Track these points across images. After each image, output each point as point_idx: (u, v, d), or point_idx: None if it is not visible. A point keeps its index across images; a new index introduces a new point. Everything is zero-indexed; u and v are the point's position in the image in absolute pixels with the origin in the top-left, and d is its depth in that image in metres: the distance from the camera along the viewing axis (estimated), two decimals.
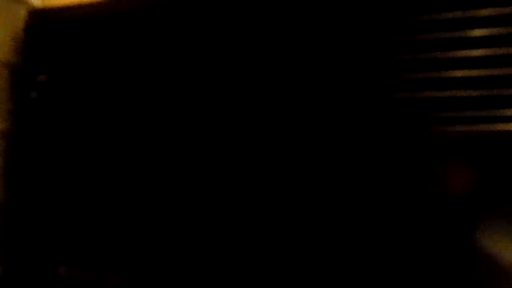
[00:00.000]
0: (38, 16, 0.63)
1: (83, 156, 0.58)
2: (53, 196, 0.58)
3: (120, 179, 0.56)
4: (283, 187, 0.50)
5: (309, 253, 0.49)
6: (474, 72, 0.46)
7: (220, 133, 0.53)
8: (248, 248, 0.51)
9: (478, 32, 0.45)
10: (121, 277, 0.52)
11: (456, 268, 0.45)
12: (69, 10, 0.62)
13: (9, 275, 0.59)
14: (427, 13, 0.47)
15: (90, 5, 0.66)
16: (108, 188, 0.56)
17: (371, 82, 0.49)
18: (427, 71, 0.47)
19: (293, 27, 0.52)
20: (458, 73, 0.46)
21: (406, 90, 0.48)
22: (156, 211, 0.54)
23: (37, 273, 0.58)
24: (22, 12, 0.61)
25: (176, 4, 0.57)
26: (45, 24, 0.62)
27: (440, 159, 0.46)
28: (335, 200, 0.49)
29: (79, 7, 0.66)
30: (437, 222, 0.45)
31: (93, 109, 0.58)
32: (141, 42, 0.57)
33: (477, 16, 0.46)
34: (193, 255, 0.53)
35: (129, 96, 0.58)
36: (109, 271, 0.54)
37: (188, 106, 0.54)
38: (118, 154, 0.56)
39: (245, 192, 0.51)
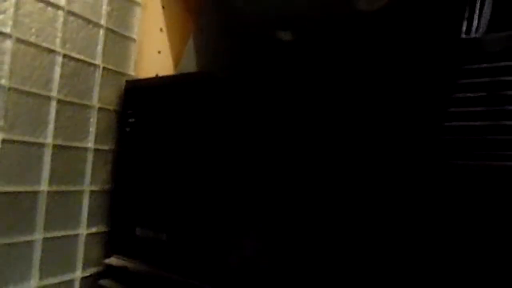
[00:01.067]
0: (132, 83, 0.95)
1: (155, 164, 0.85)
2: (137, 186, 0.90)
3: (177, 178, 0.81)
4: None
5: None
6: None
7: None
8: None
9: None
10: (165, 234, 0.86)
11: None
12: (150, 80, 0.95)
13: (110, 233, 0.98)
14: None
15: (163, 77, 0.96)
16: (167, 182, 0.82)
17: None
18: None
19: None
20: None
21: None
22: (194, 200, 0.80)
23: (124, 232, 0.96)
24: (123, 80, 1.02)
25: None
26: (136, 88, 0.91)
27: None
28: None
29: (156, 78, 1.02)
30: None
31: (164, 139, 0.84)
32: (191, 106, 0.76)
33: None
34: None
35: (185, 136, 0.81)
36: (161, 229, 0.89)
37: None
38: (176, 162, 0.81)
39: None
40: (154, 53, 1.11)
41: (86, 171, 0.90)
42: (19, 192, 0.76)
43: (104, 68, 0.95)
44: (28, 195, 0.78)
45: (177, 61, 1.15)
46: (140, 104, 0.91)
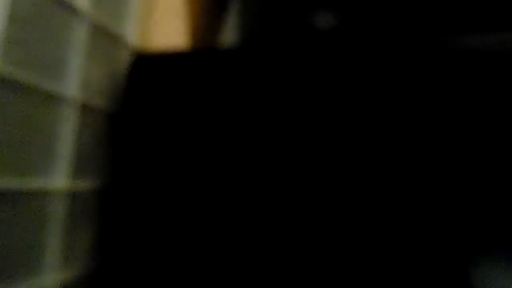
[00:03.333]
0: (145, 58, 0.56)
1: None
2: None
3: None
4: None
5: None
6: None
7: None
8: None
9: None
10: None
11: None
12: (180, 56, 0.56)
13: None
14: None
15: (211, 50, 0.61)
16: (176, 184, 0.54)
17: None
18: None
19: None
20: None
21: None
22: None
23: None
24: (122, 52, 0.54)
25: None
26: (151, 71, 0.55)
27: None
28: None
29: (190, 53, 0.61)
30: None
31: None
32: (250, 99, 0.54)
33: None
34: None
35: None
36: None
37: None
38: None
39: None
40: (167, 12, 0.64)
41: (47, 244, 0.42)
42: None
43: (94, 24, 0.47)
44: None
45: (195, 25, 0.70)
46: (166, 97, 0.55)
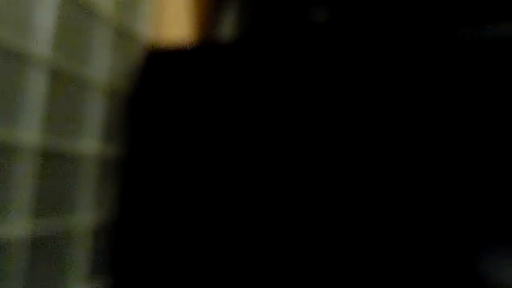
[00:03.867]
0: (159, 52, 0.65)
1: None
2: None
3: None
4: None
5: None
6: None
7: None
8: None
9: None
10: None
11: None
12: (202, 48, 0.63)
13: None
14: None
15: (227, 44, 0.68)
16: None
17: None
18: None
19: None
20: None
21: None
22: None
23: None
24: (137, 46, 0.67)
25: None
26: (167, 60, 0.63)
27: None
28: None
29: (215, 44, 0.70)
30: None
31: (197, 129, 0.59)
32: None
33: None
34: None
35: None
36: None
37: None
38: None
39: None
40: (177, 7, 0.76)
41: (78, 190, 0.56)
42: None
43: (114, 23, 0.60)
44: None
45: (201, 19, 0.80)
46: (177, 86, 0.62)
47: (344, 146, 0.48)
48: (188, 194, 0.59)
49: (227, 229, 0.54)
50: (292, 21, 0.73)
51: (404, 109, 0.47)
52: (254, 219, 0.52)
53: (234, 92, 0.57)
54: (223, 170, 0.55)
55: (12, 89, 0.46)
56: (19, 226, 0.47)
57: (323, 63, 0.51)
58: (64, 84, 0.53)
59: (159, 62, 0.65)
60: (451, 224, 0.46)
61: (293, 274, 0.50)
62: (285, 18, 0.74)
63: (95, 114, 0.59)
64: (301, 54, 0.53)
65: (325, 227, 0.48)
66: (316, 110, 0.50)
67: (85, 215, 0.58)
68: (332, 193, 0.49)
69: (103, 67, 0.60)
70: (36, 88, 0.49)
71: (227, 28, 0.82)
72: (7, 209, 0.46)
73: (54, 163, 0.53)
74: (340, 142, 0.48)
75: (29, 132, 0.48)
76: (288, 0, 0.76)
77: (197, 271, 0.56)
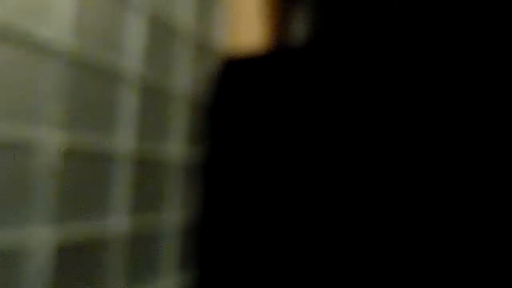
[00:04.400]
0: (236, 62, 0.70)
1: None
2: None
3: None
4: None
5: None
6: None
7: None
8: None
9: None
10: None
11: None
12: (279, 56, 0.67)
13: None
14: None
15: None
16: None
17: None
18: None
19: None
20: None
21: None
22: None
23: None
24: (213, 57, 0.72)
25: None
26: (237, 73, 0.69)
27: None
28: None
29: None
30: None
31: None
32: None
33: None
34: None
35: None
36: None
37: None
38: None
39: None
40: (250, 18, 0.79)
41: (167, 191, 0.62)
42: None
43: (193, 36, 0.66)
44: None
45: (274, 23, 0.83)
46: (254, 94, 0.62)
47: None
48: (264, 196, 0.62)
49: (304, 229, 0.56)
50: (368, 15, 0.71)
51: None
52: (332, 219, 0.53)
53: (311, 95, 0.57)
54: (301, 174, 0.58)
55: (108, 103, 0.53)
56: (118, 224, 0.54)
57: (404, 57, 0.50)
58: (152, 97, 0.60)
59: (234, 70, 0.69)
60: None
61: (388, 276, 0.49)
62: (358, 13, 0.73)
63: (179, 122, 0.65)
64: (379, 49, 0.51)
65: (406, 227, 0.48)
66: (403, 111, 0.49)
67: (173, 214, 0.65)
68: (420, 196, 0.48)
69: (185, 79, 0.65)
70: (128, 102, 0.56)
71: (300, 29, 0.83)
72: (109, 208, 0.53)
73: (146, 168, 0.59)
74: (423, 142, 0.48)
75: (125, 140, 0.55)
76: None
77: (276, 268, 0.59)
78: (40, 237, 0.46)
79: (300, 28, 0.86)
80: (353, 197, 0.52)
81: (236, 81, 0.70)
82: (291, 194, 0.57)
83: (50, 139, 0.47)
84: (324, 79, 0.56)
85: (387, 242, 0.50)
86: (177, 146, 0.65)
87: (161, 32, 0.61)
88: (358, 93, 0.53)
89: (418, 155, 0.49)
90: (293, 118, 0.58)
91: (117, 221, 0.54)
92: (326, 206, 0.54)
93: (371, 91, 0.52)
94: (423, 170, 0.49)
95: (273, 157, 0.62)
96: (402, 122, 0.49)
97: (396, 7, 0.64)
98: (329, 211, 0.54)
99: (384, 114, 0.50)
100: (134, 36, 0.56)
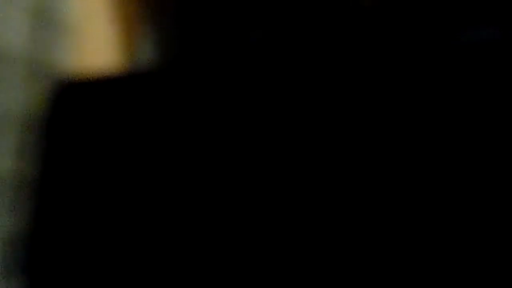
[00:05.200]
0: (73, 82, 0.70)
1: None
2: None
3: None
4: None
5: None
6: None
7: None
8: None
9: None
10: None
11: None
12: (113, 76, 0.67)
13: None
14: None
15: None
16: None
17: None
18: None
19: None
20: None
21: None
22: None
23: None
24: (52, 78, 0.71)
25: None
26: (74, 92, 0.69)
27: None
28: None
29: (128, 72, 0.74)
30: None
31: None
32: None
33: None
34: None
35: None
36: None
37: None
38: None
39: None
40: (97, 41, 0.81)
41: None
42: None
43: (30, 60, 0.64)
44: None
45: (128, 51, 0.85)
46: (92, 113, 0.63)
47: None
48: (96, 213, 0.59)
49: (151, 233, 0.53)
50: (224, 44, 0.71)
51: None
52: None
53: (154, 120, 0.59)
54: (139, 195, 0.54)
55: None
56: None
57: (256, 83, 0.50)
58: None
59: (74, 91, 0.69)
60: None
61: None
62: (214, 40, 0.72)
63: (10, 140, 0.63)
64: (231, 75, 0.52)
65: (320, 227, 0.46)
66: (257, 135, 0.49)
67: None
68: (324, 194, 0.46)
69: (15, 100, 0.64)
70: None
71: (152, 53, 0.83)
72: None
73: None
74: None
75: None
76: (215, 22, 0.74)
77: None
78: None
79: (152, 51, 0.88)
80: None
81: (72, 102, 0.69)
82: (124, 217, 0.55)
83: None
84: (170, 103, 0.56)
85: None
86: (6, 163, 0.62)
87: None
88: (203, 119, 0.53)
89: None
90: (133, 141, 0.58)
91: None
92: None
93: (215, 117, 0.52)
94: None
95: (109, 178, 0.61)
96: (258, 144, 0.49)
97: (254, 38, 0.67)
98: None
99: (240, 137, 0.50)
100: None
